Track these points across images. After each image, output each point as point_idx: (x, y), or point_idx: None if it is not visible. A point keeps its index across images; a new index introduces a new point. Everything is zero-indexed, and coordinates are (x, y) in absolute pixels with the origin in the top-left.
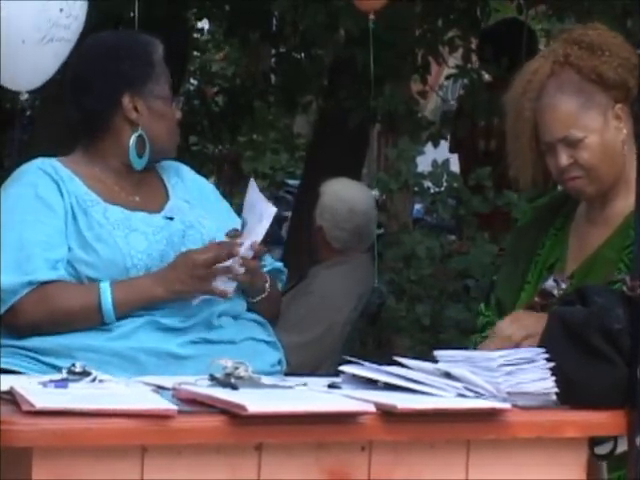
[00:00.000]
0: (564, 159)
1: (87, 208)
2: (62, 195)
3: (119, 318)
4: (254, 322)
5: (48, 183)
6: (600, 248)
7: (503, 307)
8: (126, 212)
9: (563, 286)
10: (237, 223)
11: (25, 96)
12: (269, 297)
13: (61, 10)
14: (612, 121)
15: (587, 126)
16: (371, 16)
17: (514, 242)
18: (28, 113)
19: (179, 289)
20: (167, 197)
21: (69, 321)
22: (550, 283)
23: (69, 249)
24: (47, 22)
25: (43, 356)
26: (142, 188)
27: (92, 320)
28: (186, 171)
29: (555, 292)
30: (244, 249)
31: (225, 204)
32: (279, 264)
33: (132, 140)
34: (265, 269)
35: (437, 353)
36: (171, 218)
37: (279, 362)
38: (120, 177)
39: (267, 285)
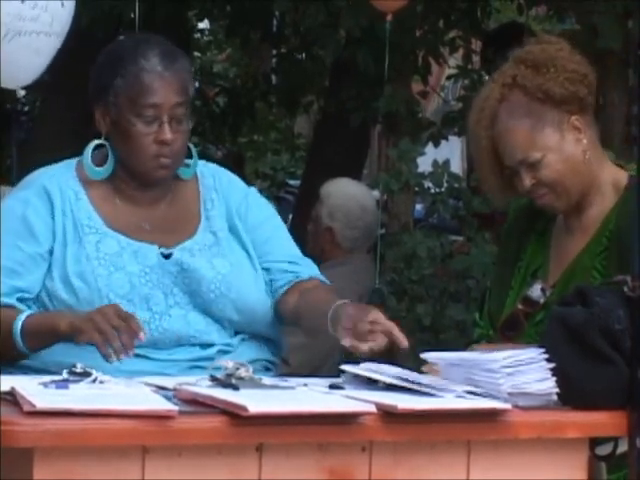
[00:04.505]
0: (527, 181)
1: (82, 237)
2: (54, 219)
3: (32, 349)
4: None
5: (42, 205)
6: (578, 257)
7: (493, 318)
8: (122, 243)
9: (548, 294)
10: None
11: (21, 93)
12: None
13: (22, 1)
14: (569, 134)
15: (543, 145)
16: (389, 17)
17: (501, 247)
18: (27, 111)
19: (78, 324)
20: (193, 230)
21: (1, 347)
22: (537, 292)
23: (52, 278)
24: (7, 16)
25: (36, 373)
26: (161, 214)
27: (12, 347)
28: (242, 192)
29: (541, 301)
30: None
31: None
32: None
33: (90, 147)
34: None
35: (424, 355)
36: (168, 256)
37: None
38: (137, 192)
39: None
